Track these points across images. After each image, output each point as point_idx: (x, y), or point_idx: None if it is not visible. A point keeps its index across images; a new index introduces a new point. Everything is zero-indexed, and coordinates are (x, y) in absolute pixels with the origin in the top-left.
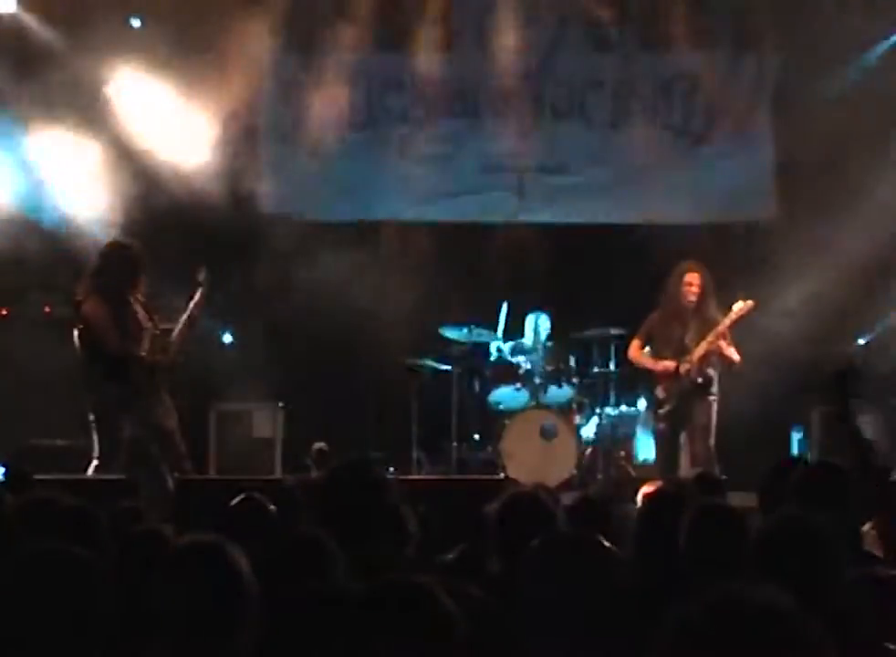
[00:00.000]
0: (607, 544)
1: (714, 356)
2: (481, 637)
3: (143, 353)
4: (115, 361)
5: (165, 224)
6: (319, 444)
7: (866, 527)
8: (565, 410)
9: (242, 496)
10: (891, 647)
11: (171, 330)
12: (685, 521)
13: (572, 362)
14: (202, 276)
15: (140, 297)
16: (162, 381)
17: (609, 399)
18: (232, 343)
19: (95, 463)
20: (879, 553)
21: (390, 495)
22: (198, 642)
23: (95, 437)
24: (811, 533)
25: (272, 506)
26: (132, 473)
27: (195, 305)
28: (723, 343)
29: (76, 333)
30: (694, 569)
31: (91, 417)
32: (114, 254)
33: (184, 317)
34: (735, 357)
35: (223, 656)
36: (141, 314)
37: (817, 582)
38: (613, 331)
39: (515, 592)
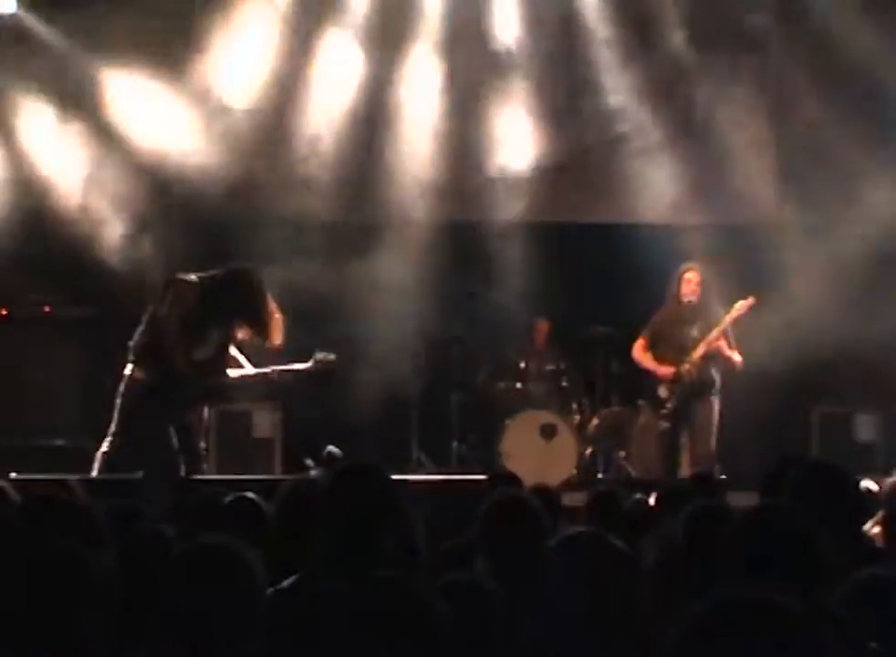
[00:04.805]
0: (617, 543)
1: (716, 356)
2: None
3: (198, 360)
4: (164, 360)
5: (162, 221)
6: (331, 448)
7: (868, 526)
8: (565, 410)
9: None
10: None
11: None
12: (684, 521)
13: (572, 362)
14: (320, 357)
15: (240, 329)
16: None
17: (609, 399)
18: None
19: (107, 440)
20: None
21: (396, 497)
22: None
23: (115, 415)
24: (804, 530)
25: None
26: (136, 469)
27: (284, 372)
28: (723, 344)
29: (154, 309)
30: (694, 569)
31: (118, 396)
32: (233, 279)
33: (263, 370)
34: (737, 358)
35: None
36: (226, 341)
37: (812, 580)
38: (612, 331)
39: (522, 591)
